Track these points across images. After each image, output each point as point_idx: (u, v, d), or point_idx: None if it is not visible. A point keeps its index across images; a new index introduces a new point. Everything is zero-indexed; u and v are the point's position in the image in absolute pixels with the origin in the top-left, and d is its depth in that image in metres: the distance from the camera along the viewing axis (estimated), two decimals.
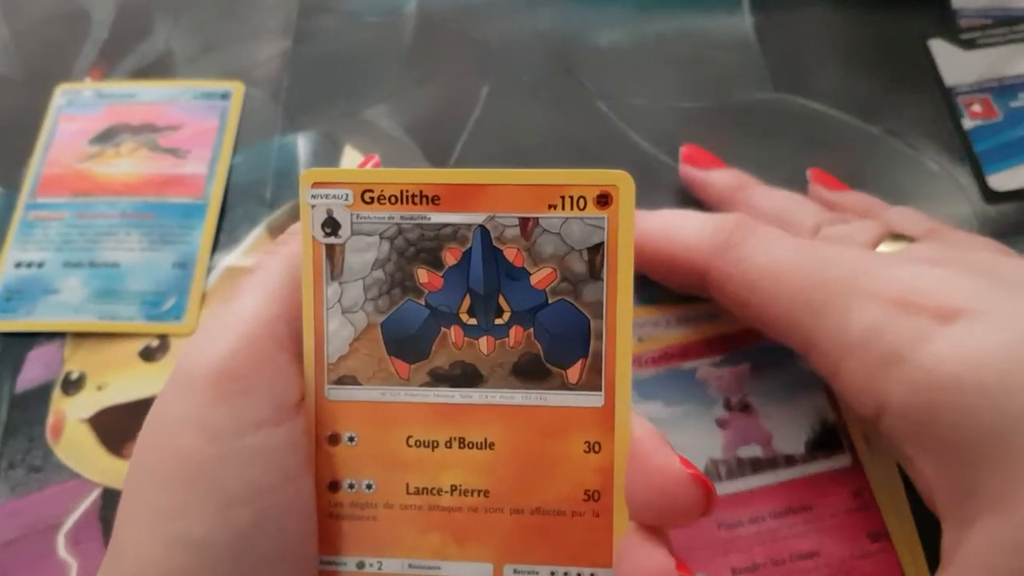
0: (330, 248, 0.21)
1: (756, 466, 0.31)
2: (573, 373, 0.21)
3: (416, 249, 0.21)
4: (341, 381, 0.21)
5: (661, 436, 0.21)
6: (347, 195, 0.21)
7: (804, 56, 0.39)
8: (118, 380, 0.34)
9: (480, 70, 0.40)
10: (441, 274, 0.21)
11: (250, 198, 0.38)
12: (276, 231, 0.37)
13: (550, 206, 0.21)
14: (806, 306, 0.23)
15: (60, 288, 0.36)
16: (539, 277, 0.21)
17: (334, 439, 0.22)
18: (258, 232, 0.37)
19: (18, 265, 0.37)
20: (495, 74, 0.40)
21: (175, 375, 0.20)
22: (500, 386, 0.21)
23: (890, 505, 0.30)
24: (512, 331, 0.21)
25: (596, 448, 0.21)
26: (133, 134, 0.39)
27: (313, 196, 0.21)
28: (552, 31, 0.41)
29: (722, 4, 0.41)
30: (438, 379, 0.21)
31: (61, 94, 0.41)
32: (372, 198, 0.21)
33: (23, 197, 0.38)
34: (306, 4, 0.43)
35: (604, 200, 0.20)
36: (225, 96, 0.40)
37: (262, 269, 0.22)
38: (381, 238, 0.21)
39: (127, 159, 0.39)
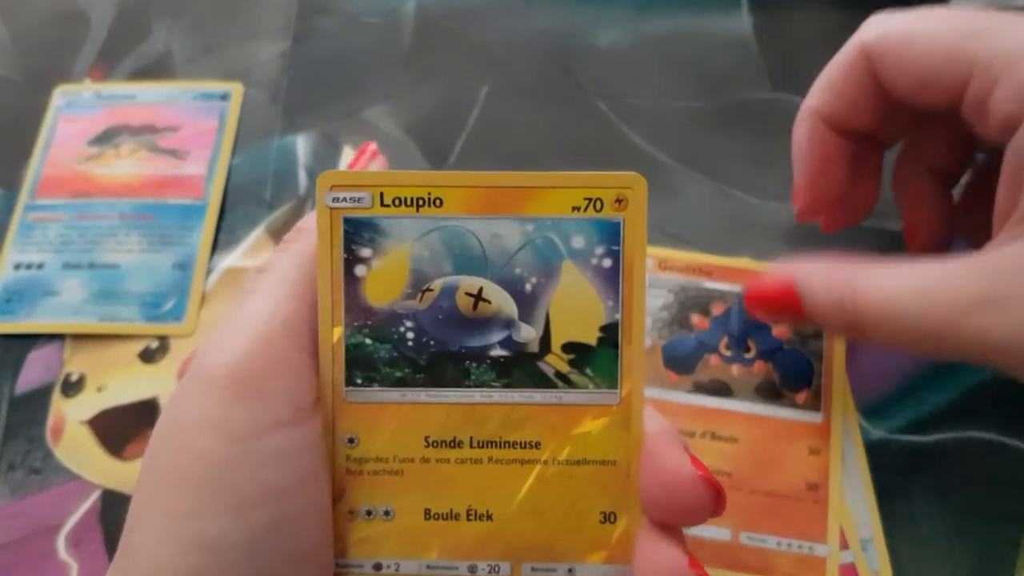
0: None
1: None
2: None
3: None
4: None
5: (675, 434, 0.21)
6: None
7: (803, 56, 0.39)
8: (118, 381, 0.34)
9: (479, 70, 0.40)
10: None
11: (249, 199, 0.38)
12: (276, 232, 0.37)
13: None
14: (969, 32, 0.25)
15: (60, 289, 0.36)
16: None
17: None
18: (258, 233, 0.37)
19: (17, 267, 0.36)
20: (494, 74, 0.40)
21: (190, 376, 0.20)
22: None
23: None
24: None
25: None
26: (132, 135, 0.39)
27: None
28: (551, 31, 0.41)
29: (720, 4, 0.41)
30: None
31: (60, 95, 0.41)
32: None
33: (22, 198, 0.38)
34: (305, 5, 0.42)
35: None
36: (224, 97, 0.40)
37: (274, 268, 0.22)
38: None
39: (126, 160, 0.39)
